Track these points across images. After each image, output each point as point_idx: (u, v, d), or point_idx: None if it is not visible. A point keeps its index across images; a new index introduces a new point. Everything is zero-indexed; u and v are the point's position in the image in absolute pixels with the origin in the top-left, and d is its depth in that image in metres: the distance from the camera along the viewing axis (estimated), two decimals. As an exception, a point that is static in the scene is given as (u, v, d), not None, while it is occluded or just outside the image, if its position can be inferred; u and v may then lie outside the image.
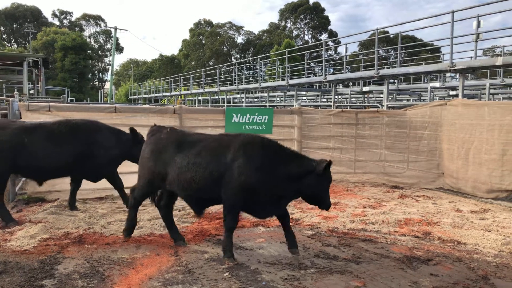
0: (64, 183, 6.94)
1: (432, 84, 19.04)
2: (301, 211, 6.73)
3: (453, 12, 10.34)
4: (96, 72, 79.14)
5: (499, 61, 9.67)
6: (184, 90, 36.80)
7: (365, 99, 24.53)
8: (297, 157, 4.70)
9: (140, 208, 6.70)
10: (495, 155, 7.78)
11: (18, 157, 5.73)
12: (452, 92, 18.74)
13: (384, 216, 6.47)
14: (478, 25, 10.47)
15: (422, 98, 22.20)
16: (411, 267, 4.49)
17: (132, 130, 6.46)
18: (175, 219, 6.11)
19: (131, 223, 5.19)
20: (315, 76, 26.03)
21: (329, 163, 4.46)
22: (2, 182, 5.84)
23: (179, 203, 7.24)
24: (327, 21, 71.91)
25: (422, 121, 9.76)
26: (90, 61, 70.79)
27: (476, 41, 10.85)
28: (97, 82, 79.06)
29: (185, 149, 4.69)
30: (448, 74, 18.98)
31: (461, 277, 4.24)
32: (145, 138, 5.58)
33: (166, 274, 4.18)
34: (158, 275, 4.14)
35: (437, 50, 30.57)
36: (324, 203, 4.66)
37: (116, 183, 6.65)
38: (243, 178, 4.35)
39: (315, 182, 4.50)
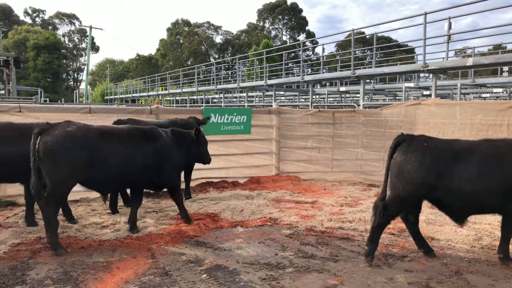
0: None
1: (406, 84, 19.48)
2: (279, 211, 6.75)
3: (425, 14, 10.60)
4: (71, 72, 77.30)
5: (469, 62, 9.98)
6: (162, 90, 36.38)
7: (342, 99, 24.85)
8: None
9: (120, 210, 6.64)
10: (466, 153, 8.00)
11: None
12: (425, 92, 19.23)
13: (361, 214, 6.57)
14: (450, 27, 10.78)
15: (397, 97, 22.67)
16: (387, 264, 4.57)
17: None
18: (151, 221, 6.06)
19: (375, 245, 4.64)
20: (293, 76, 26.21)
21: None
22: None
23: (156, 205, 7.17)
24: (304, 21, 72.50)
25: (397, 120, 9.97)
26: (64, 61, 69.13)
27: (448, 43, 11.16)
28: (72, 82, 77.24)
29: (459, 157, 4.46)
30: (422, 74, 19.46)
31: (435, 273, 4.35)
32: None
33: (143, 277, 4.11)
34: (135, 278, 4.07)
35: (412, 51, 31.28)
36: None
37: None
38: None
39: None
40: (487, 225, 6.15)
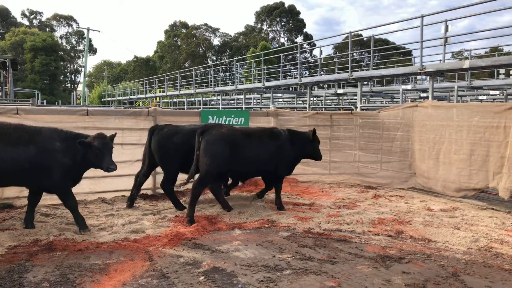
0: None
1: (404, 86, 19.57)
2: (277, 213, 6.76)
3: (422, 16, 10.65)
4: (68, 74, 77.12)
5: (466, 64, 10.02)
6: (160, 92, 36.36)
7: (340, 101, 24.92)
8: None
9: (113, 212, 6.65)
10: (463, 155, 8.05)
11: None
12: (423, 94, 19.28)
13: (358, 216, 6.58)
14: (446, 30, 10.83)
15: (394, 100, 22.76)
16: (384, 266, 4.58)
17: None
18: (149, 223, 6.05)
19: None
20: (291, 78, 26.25)
21: None
22: None
23: (154, 207, 7.16)
24: (302, 24, 72.65)
25: (394, 122, 10.00)
26: (61, 63, 68.94)
27: (445, 45, 11.21)
28: (69, 84, 77.04)
29: None
30: (419, 77, 19.49)
31: (432, 274, 4.36)
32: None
33: (141, 279, 4.11)
34: (132, 281, 4.06)
35: (409, 53, 31.38)
36: None
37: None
38: None
39: None
40: (483, 226, 6.17)
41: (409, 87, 19.31)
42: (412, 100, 21.43)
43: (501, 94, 18.76)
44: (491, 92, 19.27)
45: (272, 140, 6.92)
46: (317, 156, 7.60)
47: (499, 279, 4.28)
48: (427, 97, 13.38)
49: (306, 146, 7.29)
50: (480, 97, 20.51)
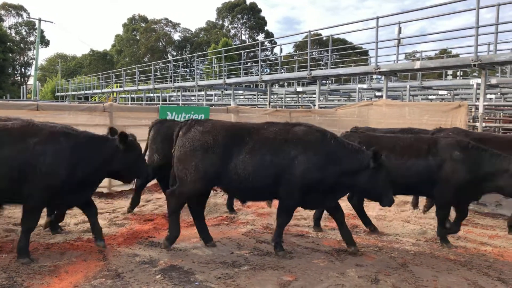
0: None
1: (360, 85, 20.18)
2: (236, 209, 6.78)
3: (377, 18, 11.03)
4: (18, 66, 72.83)
5: (417, 65, 10.50)
6: (117, 87, 35.22)
7: (299, 99, 25.31)
8: None
9: (67, 211, 6.38)
10: (414, 152, 8.44)
11: None
12: (378, 93, 19.99)
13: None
14: (400, 31, 11.28)
15: (351, 98, 23.42)
16: (339, 259, 4.73)
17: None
18: (104, 222, 5.87)
19: None
20: (252, 75, 26.31)
21: None
22: None
23: (109, 206, 6.95)
24: (263, 21, 72.93)
25: (351, 120, 10.31)
26: (10, 54, 64.95)
27: (398, 46, 11.68)
28: (19, 77, 72.81)
29: None
30: (374, 76, 20.19)
31: (383, 266, 4.55)
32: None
33: (94, 280, 3.98)
34: (85, 282, 3.93)
35: (366, 53, 32.37)
36: None
37: None
38: None
39: None
40: (431, 219, 6.51)
41: (365, 86, 19.94)
42: (368, 98, 22.12)
43: (449, 94, 19.83)
44: (440, 92, 20.31)
45: (427, 153, 5.43)
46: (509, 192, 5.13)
47: (445, 269, 4.54)
48: (381, 96, 13.90)
49: (491, 175, 5.11)
50: (430, 97, 21.58)
